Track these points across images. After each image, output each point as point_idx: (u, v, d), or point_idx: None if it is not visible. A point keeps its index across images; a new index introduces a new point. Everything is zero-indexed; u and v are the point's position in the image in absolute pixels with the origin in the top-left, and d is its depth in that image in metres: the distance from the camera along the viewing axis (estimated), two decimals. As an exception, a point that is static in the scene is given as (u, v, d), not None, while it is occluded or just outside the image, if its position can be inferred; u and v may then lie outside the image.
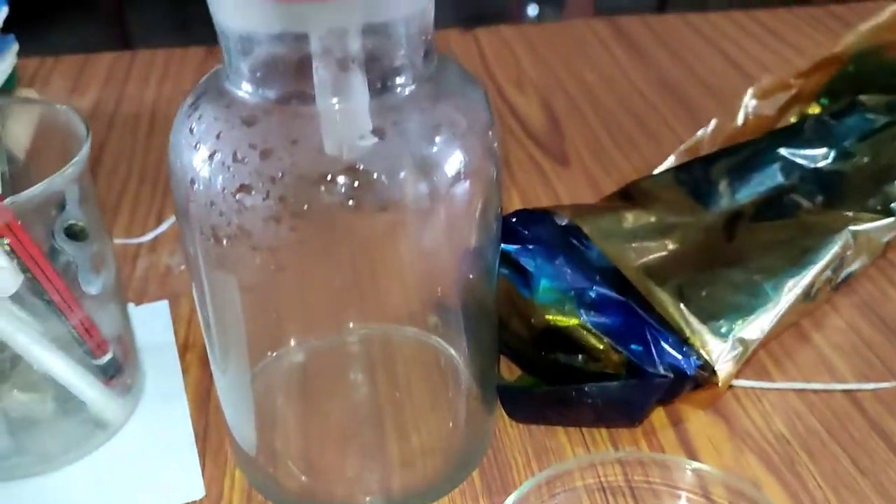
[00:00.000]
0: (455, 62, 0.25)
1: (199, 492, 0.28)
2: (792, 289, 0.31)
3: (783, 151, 0.38)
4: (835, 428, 0.30)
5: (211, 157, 0.22)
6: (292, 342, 0.29)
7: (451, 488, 0.28)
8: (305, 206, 0.21)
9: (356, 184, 0.21)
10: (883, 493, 0.28)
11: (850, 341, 0.34)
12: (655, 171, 0.39)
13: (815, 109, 0.45)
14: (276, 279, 0.24)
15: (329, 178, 0.21)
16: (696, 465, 0.27)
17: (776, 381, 0.32)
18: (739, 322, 0.29)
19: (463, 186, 0.23)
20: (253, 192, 0.21)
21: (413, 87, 0.22)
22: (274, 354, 0.29)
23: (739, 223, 0.34)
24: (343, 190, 0.21)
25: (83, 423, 0.30)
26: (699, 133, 0.43)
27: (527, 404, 0.29)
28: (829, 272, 0.32)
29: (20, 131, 0.45)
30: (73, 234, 0.29)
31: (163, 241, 0.41)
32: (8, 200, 0.25)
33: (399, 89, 0.22)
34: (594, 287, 0.27)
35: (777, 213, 0.35)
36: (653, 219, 0.33)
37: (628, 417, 0.28)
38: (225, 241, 0.22)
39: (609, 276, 0.29)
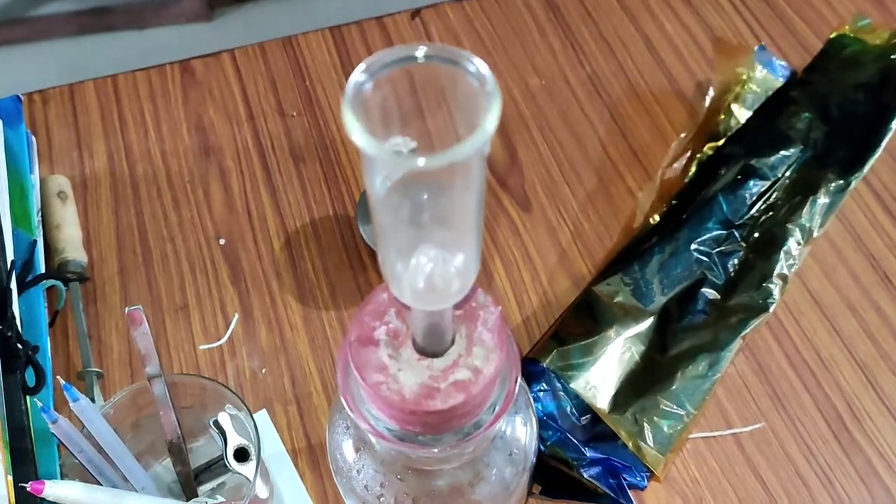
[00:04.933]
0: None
1: (345, 577, 0.45)
2: (703, 396, 0.47)
3: (693, 247, 0.52)
4: (725, 468, 0.49)
5: (379, 497, 0.35)
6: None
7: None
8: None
9: None
10: (752, 520, 0.47)
11: (736, 386, 0.51)
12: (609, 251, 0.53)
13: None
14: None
15: (454, 507, 0.35)
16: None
17: (691, 433, 0.50)
18: (672, 437, 0.46)
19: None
20: (409, 520, 0.35)
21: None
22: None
23: (668, 328, 0.49)
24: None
25: (257, 544, 0.45)
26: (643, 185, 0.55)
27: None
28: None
29: (74, 234, 0.55)
30: (240, 454, 0.42)
31: (236, 339, 0.53)
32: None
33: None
34: (587, 454, 0.44)
35: (693, 311, 0.50)
36: (612, 338, 0.48)
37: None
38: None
39: (588, 412, 0.45)
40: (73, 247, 0.54)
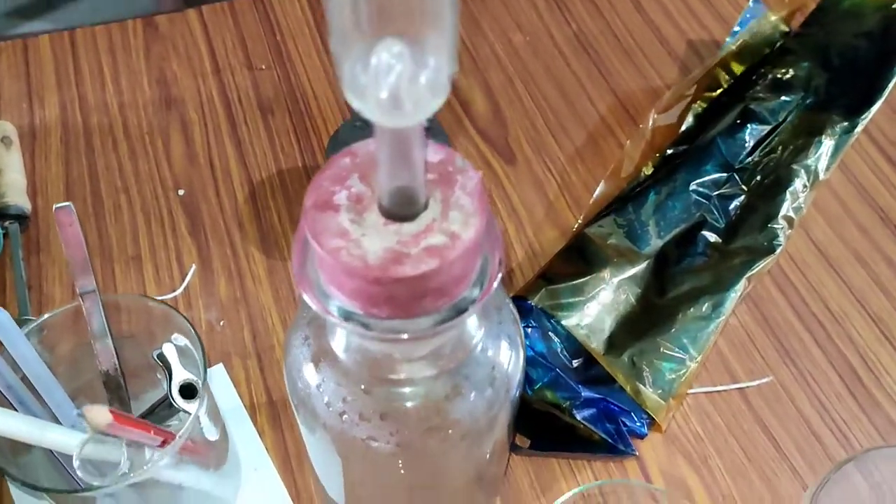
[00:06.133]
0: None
1: (307, 542, 0.40)
2: (707, 339, 0.43)
3: (693, 187, 0.48)
4: (731, 423, 0.44)
5: (341, 415, 0.30)
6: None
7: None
8: (410, 440, 0.31)
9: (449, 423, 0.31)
10: (763, 478, 0.42)
11: (740, 339, 0.47)
12: (595, 195, 0.49)
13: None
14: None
15: (428, 428, 0.30)
16: (646, 485, 0.40)
17: (693, 387, 0.45)
18: (674, 382, 0.41)
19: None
20: (377, 441, 0.30)
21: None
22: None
23: (666, 271, 0.45)
24: (438, 431, 0.31)
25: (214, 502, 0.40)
26: (628, 139, 0.52)
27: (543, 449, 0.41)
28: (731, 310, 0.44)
29: (17, 179, 0.50)
30: (187, 392, 0.37)
31: (192, 291, 0.48)
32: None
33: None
34: (581, 392, 0.39)
35: (692, 254, 0.46)
36: (605, 279, 0.44)
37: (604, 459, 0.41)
38: (345, 448, 0.32)
39: (581, 355, 0.41)
40: (14, 192, 0.49)
